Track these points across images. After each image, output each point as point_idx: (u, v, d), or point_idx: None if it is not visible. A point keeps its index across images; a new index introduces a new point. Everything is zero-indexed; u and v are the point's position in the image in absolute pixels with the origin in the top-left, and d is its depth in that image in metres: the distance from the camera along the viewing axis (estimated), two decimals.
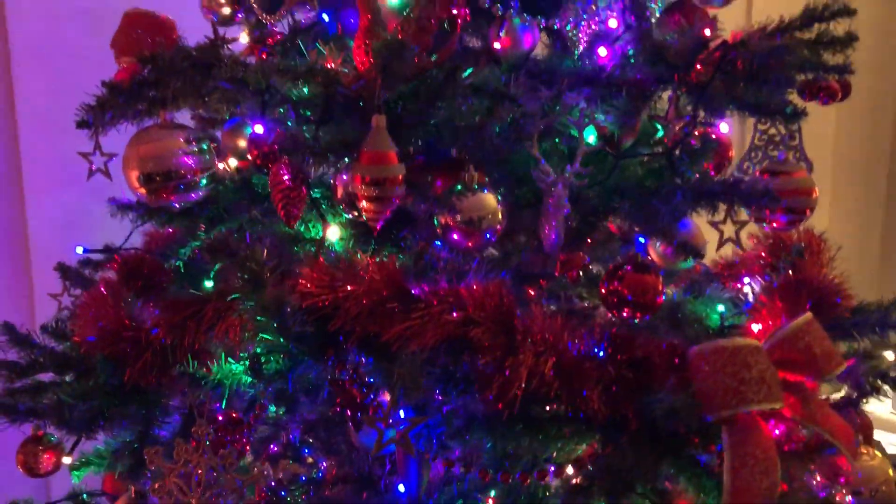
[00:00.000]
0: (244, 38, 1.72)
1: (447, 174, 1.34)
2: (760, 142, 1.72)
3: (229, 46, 1.65)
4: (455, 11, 1.42)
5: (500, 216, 1.29)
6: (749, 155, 1.73)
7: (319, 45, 1.30)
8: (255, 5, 1.60)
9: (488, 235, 1.27)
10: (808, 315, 1.23)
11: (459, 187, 1.27)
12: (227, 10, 1.74)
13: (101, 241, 1.94)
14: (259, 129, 1.28)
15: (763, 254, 1.79)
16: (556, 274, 1.57)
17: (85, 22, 2.66)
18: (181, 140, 1.41)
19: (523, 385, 1.06)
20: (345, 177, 1.33)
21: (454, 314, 1.09)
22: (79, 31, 2.66)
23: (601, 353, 1.17)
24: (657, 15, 1.62)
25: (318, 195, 1.47)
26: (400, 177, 1.15)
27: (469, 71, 1.29)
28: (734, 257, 1.84)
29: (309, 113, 1.22)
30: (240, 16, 1.77)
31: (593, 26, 1.51)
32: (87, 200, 2.18)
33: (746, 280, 1.77)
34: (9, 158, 2.73)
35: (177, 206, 1.46)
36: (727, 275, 1.84)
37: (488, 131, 1.25)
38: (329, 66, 1.24)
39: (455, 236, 1.26)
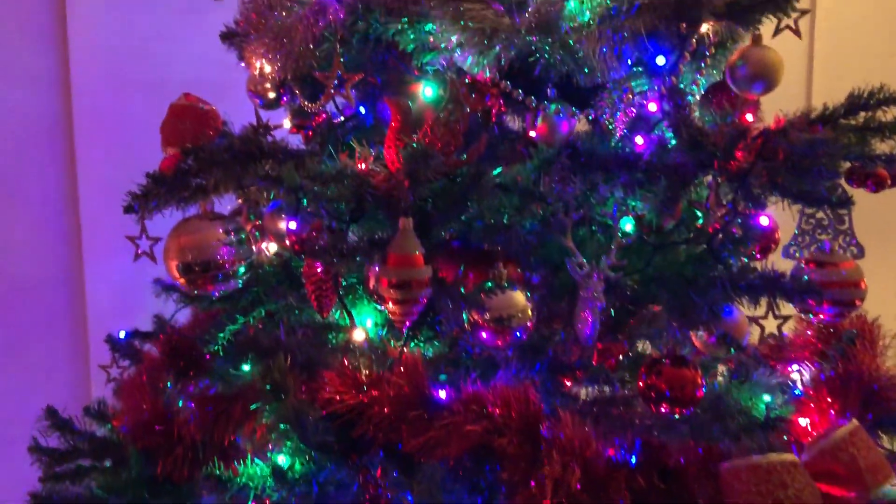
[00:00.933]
0: (287, 123, 1.76)
1: (477, 268, 1.34)
2: (807, 225, 1.67)
3: (272, 132, 1.69)
4: (489, 103, 1.43)
5: (529, 313, 1.28)
6: (796, 239, 1.68)
7: (353, 142, 1.32)
8: (297, 93, 1.63)
9: (518, 334, 1.26)
10: (854, 424, 1.18)
11: (489, 284, 1.26)
12: (272, 95, 1.79)
13: (157, 309, 2.00)
14: (293, 225, 1.30)
15: (812, 338, 1.73)
16: (594, 363, 1.55)
17: (147, 93, 2.76)
18: (220, 231, 1.44)
19: (549, 499, 1.03)
20: (376, 268, 1.34)
21: (479, 423, 1.07)
22: (141, 102, 2.76)
23: (632, 461, 1.14)
24: (697, 97, 1.60)
25: (353, 279, 1.48)
26: (426, 278, 1.16)
27: (499, 170, 1.29)
28: (783, 339, 1.79)
29: (342, 207, 1.23)
30: (285, 99, 1.82)
31: (630, 114, 1.50)
32: (144, 271, 2.25)
33: (795, 367, 1.71)
34: (70, 224, 2.83)
35: (215, 294, 1.48)
36: (775, 358, 1.78)
37: (519, 228, 1.24)
38: (361, 165, 1.25)
39: (484, 335, 1.25)
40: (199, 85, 2.78)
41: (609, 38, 1.34)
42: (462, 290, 1.25)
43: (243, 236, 1.49)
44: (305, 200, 1.22)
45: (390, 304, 1.16)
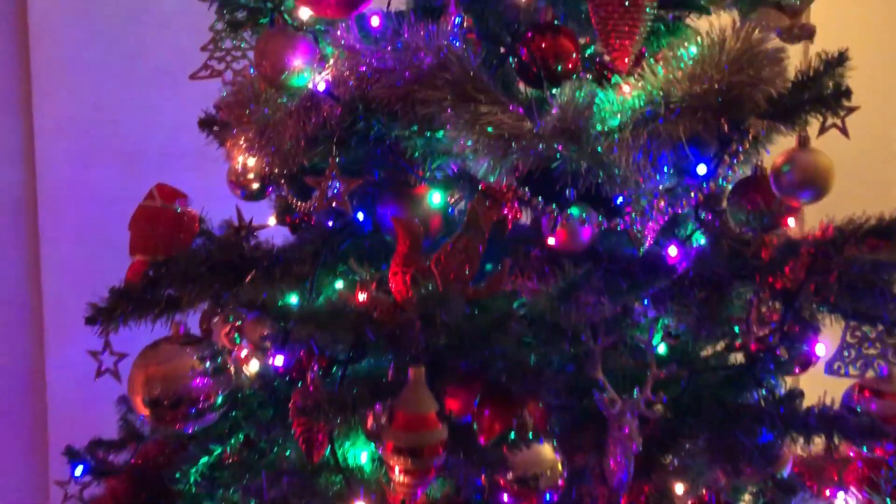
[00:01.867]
0: (272, 221, 1.58)
1: (495, 407, 1.15)
2: (853, 339, 1.50)
3: (256, 234, 1.51)
4: (505, 211, 1.26)
5: (560, 469, 1.09)
6: (841, 355, 1.51)
7: (352, 263, 1.13)
8: (286, 191, 1.45)
9: (548, 496, 1.07)
10: None
11: (512, 435, 1.07)
12: (256, 186, 1.61)
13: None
14: (280, 360, 1.11)
15: (856, 460, 1.56)
16: None
17: (120, 165, 2.58)
18: (194, 358, 1.25)
19: None
20: (378, 407, 1.15)
21: None
22: (112, 174, 2.57)
23: None
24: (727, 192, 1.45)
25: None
26: (441, 442, 0.97)
27: (521, 301, 1.11)
28: (825, 457, 1.60)
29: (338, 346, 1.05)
30: (270, 190, 1.64)
31: (661, 221, 1.33)
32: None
33: (841, 495, 1.53)
34: (31, 307, 2.61)
35: (188, 430, 1.28)
36: (815, 479, 1.60)
37: (546, 368, 1.06)
38: (360, 295, 1.07)
39: (506, 497, 1.06)
40: (176, 155, 2.63)
41: (643, 144, 1.18)
42: (480, 440, 1.06)
43: (221, 360, 1.30)
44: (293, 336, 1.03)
45: (396, 473, 0.97)
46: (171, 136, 2.57)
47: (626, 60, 1.36)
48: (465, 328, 1.00)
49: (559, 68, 1.34)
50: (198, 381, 1.23)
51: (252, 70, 1.66)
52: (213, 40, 1.70)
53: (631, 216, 1.33)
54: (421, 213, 1.29)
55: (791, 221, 1.41)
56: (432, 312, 0.95)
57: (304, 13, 1.30)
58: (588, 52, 1.42)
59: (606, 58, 1.44)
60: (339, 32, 1.25)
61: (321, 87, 1.21)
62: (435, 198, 1.27)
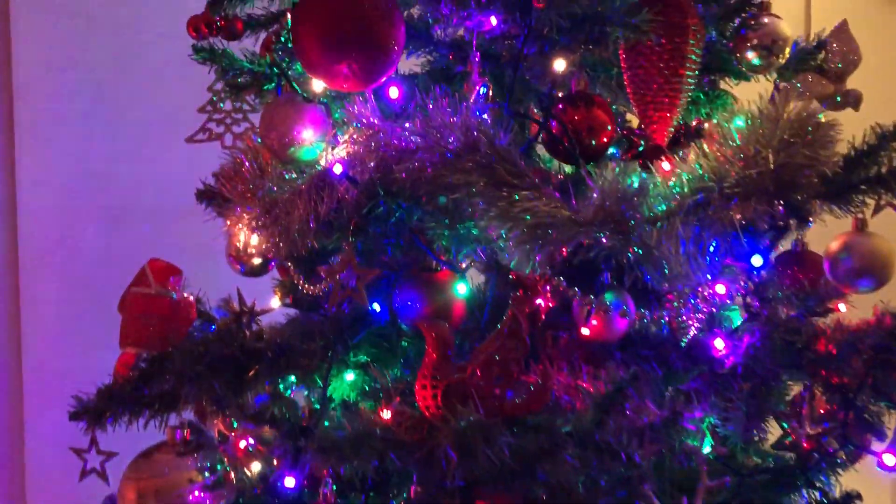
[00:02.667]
0: (275, 302, 1.45)
1: None
2: None
3: (259, 319, 1.38)
4: (539, 301, 1.15)
5: None
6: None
7: (372, 369, 1.01)
8: (293, 272, 1.33)
9: None
10: None
11: None
12: (258, 261, 1.49)
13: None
14: (291, 482, 0.98)
15: None
16: None
17: (106, 222, 2.45)
18: (191, 469, 1.11)
19: None
20: None
21: None
22: (99, 232, 2.44)
23: None
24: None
25: None
26: None
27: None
28: None
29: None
30: (272, 265, 1.52)
31: (706, 309, 1.21)
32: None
33: None
34: (10, 373, 2.46)
35: None
36: None
37: (595, 493, 0.94)
38: (383, 413, 0.94)
39: None
40: (167, 211, 2.50)
41: (694, 233, 1.07)
42: None
43: (221, 465, 1.17)
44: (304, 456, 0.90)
45: None
46: (161, 191, 2.44)
47: (666, 133, 1.26)
48: (507, 457, 0.88)
49: (593, 142, 1.23)
50: (196, 494, 1.09)
51: (255, 137, 1.56)
52: (211, 101, 1.58)
53: (673, 304, 1.22)
54: (443, 302, 1.17)
55: (842, 307, 1.30)
56: (473, 445, 0.82)
57: (317, 85, 1.19)
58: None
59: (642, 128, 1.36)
60: (355, 107, 1.13)
61: (337, 170, 1.09)
62: (460, 288, 1.15)
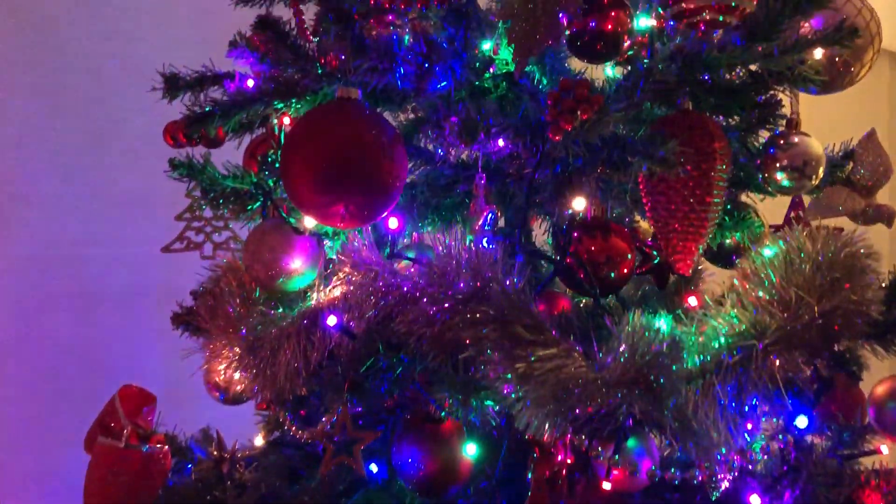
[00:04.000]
0: (259, 440, 1.32)
1: None
2: None
3: (239, 463, 1.25)
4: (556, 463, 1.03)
5: None
6: None
7: None
8: (279, 412, 1.20)
9: None
10: None
11: None
12: (239, 388, 1.35)
13: None
14: None
15: None
16: None
17: (76, 308, 2.30)
18: None
19: None
20: None
21: None
22: (68, 319, 2.29)
23: None
24: None
25: None
26: None
27: None
28: None
29: None
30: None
31: (738, 461, 1.10)
32: None
33: None
34: None
35: None
36: None
37: None
38: None
39: None
40: (141, 294, 2.36)
41: (729, 392, 0.95)
42: None
43: None
44: None
45: None
46: (135, 274, 2.31)
47: (691, 264, 1.15)
48: None
49: (612, 275, 1.12)
50: None
51: (235, 246, 1.44)
52: (189, 208, 1.46)
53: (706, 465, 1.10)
54: (449, 459, 1.05)
55: (884, 448, 1.19)
56: None
57: (309, 221, 1.07)
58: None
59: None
60: (353, 244, 1.02)
61: (331, 322, 0.97)
62: (469, 449, 1.02)
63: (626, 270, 1.13)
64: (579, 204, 1.08)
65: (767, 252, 1.02)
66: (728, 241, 1.23)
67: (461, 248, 0.98)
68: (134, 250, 2.30)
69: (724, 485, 1.10)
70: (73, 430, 1.52)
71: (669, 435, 0.91)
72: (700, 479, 1.05)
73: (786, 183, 1.16)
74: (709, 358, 0.96)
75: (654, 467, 1.14)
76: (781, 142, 1.16)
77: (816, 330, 0.96)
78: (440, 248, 0.98)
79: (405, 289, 0.97)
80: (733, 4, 0.94)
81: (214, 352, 1.18)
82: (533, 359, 0.92)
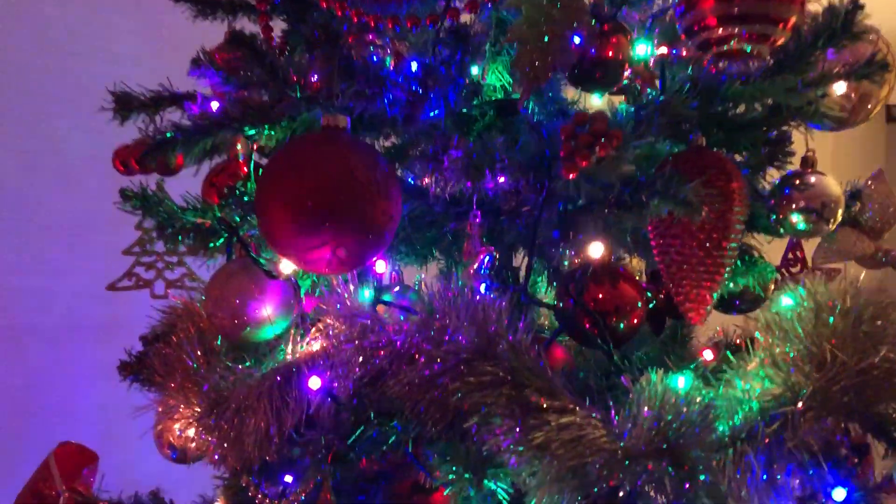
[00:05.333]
0: None
1: None
2: None
3: None
4: None
5: None
6: None
7: None
8: (244, 478, 1.06)
9: None
10: None
11: None
12: (198, 451, 1.20)
13: None
14: None
15: None
16: None
17: (2, 349, 2.10)
18: None
19: None
20: None
21: None
22: None
23: None
24: None
25: None
26: None
27: None
28: None
29: None
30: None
31: None
32: None
33: None
34: None
35: None
36: None
37: None
38: None
39: None
40: (79, 328, 2.17)
41: (761, 462, 0.85)
42: None
43: None
44: None
45: None
46: (73, 308, 2.13)
47: (704, 314, 1.06)
48: None
49: (622, 325, 1.01)
50: None
51: (191, 284, 1.30)
52: (139, 241, 1.32)
53: None
54: None
55: None
56: None
57: (287, 267, 0.94)
58: None
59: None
60: (335, 290, 0.89)
61: (314, 385, 0.84)
62: None
63: (636, 320, 1.02)
64: (596, 250, 0.98)
65: (787, 301, 0.93)
66: (731, 285, 1.14)
67: (458, 297, 0.87)
68: (71, 281, 2.12)
69: None
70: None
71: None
72: None
73: (801, 226, 1.07)
74: (739, 424, 0.85)
75: None
76: (797, 181, 1.07)
77: (854, 391, 0.87)
78: (435, 297, 0.86)
79: (398, 344, 0.85)
80: (766, 34, 0.85)
81: (169, 409, 1.04)
82: (549, 428, 0.80)
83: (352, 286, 0.90)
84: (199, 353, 1.02)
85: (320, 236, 0.80)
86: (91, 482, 1.16)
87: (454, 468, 0.81)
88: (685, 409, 0.83)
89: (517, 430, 0.80)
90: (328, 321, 0.90)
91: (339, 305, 0.88)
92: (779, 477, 0.85)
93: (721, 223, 0.99)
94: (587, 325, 1.00)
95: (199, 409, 0.99)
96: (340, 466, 0.88)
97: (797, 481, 0.86)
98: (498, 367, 0.83)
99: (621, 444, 0.82)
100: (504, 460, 0.82)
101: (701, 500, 0.81)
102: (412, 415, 0.82)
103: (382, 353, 0.86)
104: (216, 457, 0.99)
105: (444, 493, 0.92)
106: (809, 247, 1.31)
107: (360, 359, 0.85)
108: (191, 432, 1.06)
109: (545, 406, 0.81)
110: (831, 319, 0.90)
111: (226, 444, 0.96)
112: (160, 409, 1.09)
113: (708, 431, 0.82)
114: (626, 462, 0.81)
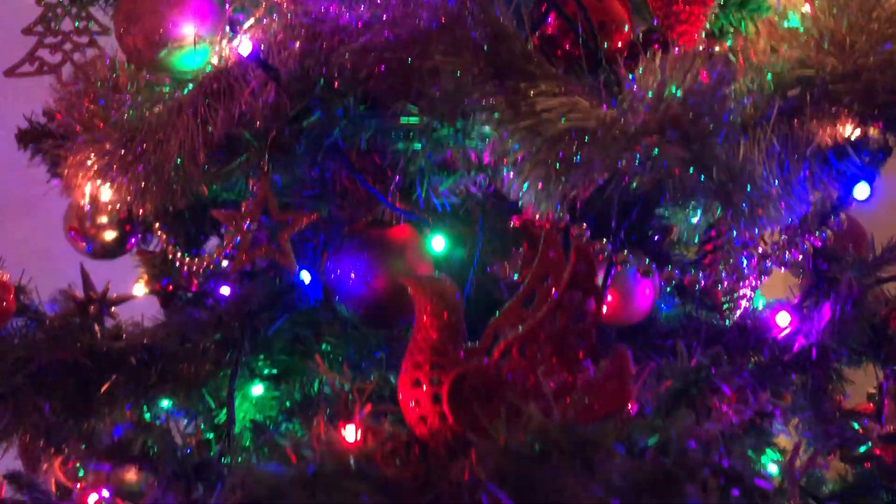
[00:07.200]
0: (140, 289, 1.02)
1: None
2: None
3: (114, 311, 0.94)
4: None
5: None
6: None
7: (319, 364, 0.61)
8: (166, 242, 0.91)
9: None
10: None
11: None
12: (111, 236, 1.05)
13: None
14: None
15: None
16: None
17: None
18: None
19: None
20: None
21: None
22: None
23: None
24: None
25: None
26: None
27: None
28: None
29: None
30: (133, 242, 1.08)
31: (762, 280, 0.88)
32: None
33: None
34: None
35: None
36: None
37: None
38: (344, 430, 0.54)
39: None
40: None
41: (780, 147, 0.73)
42: None
43: None
44: None
45: None
46: None
47: (697, 36, 0.93)
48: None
49: (605, 44, 0.88)
50: None
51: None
52: (41, 18, 1.14)
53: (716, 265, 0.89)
54: (404, 270, 0.78)
55: None
56: (509, 476, 0.43)
57: None
58: None
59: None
60: None
61: (245, 50, 0.69)
62: (436, 243, 0.76)
63: (620, 43, 0.90)
64: None
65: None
66: None
67: None
68: None
69: (744, 303, 0.88)
70: None
71: (716, 184, 0.67)
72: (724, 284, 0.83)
73: None
74: (754, 104, 0.73)
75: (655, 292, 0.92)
76: None
77: (881, 78, 0.75)
78: None
79: (342, 17, 0.70)
80: None
81: (77, 160, 0.87)
82: (526, 96, 0.66)
83: None
84: (107, 82, 0.86)
85: None
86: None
87: (423, 119, 0.66)
88: (698, 72, 0.69)
89: (495, 96, 0.66)
90: (258, 11, 0.75)
91: None
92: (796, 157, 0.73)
93: None
94: (566, 45, 0.87)
95: (108, 148, 0.83)
96: (282, 169, 0.73)
97: (815, 172, 0.74)
98: (465, 33, 0.68)
99: (615, 122, 0.68)
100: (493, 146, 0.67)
101: (721, 163, 0.67)
102: (368, 87, 0.68)
103: (326, 29, 0.71)
104: (131, 201, 0.83)
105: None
106: None
107: (295, 27, 0.69)
108: (104, 194, 0.90)
109: (525, 69, 0.67)
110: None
111: (143, 178, 0.80)
112: (64, 175, 0.93)
113: (726, 99, 0.69)
114: (627, 139, 0.68)
